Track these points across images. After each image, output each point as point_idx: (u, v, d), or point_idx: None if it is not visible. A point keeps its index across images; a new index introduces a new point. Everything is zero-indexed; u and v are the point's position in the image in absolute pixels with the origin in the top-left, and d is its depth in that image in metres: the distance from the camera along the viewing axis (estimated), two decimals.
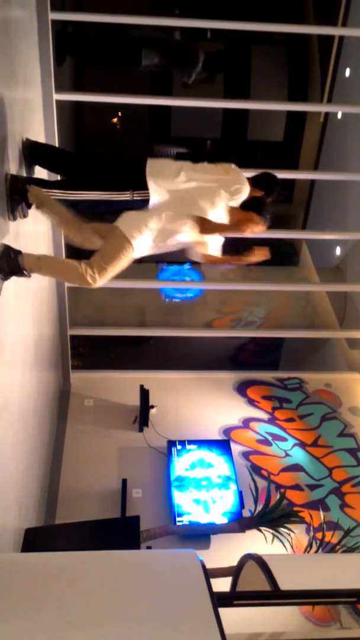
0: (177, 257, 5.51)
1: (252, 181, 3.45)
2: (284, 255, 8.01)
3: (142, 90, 7.71)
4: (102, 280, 3.04)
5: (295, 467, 5.15)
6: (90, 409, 5.48)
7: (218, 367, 6.44)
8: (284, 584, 2.04)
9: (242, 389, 5.86)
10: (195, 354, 6.89)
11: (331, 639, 3.08)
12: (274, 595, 2.03)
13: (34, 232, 3.81)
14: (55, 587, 1.96)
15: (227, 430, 5.39)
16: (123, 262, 3.06)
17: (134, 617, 1.79)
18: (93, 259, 3.03)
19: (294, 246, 8.29)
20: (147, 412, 5.15)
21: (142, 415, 5.13)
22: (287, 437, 5.41)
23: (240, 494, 4.65)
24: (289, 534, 4.15)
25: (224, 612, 1.80)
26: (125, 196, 3.32)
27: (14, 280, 2.99)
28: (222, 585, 2.43)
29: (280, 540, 4.13)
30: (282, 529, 4.15)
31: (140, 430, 5.15)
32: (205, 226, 3.19)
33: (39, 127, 4.07)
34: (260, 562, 2.20)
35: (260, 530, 4.18)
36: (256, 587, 2.16)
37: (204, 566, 2.02)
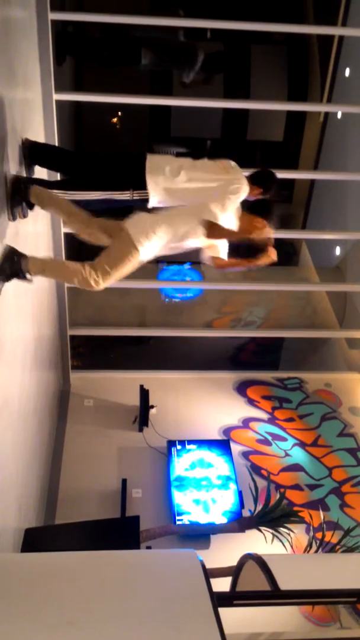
0: (178, 257, 5.53)
1: (250, 179, 3.45)
2: (283, 255, 8.00)
3: (142, 90, 7.70)
4: (105, 284, 3.02)
5: (295, 467, 5.15)
6: (90, 409, 5.48)
7: (218, 367, 6.44)
8: (284, 584, 2.04)
9: (242, 388, 5.86)
10: (195, 354, 6.89)
11: (331, 639, 3.08)
12: (274, 595, 2.03)
13: (33, 232, 3.81)
14: (55, 587, 1.96)
15: (227, 430, 5.39)
16: (128, 267, 3.03)
17: (134, 617, 1.79)
18: (98, 261, 2.99)
19: (294, 246, 8.30)
20: (147, 412, 5.15)
21: (142, 415, 5.13)
22: (287, 437, 5.41)
23: (240, 493, 4.65)
24: (289, 534, 4.15)
25: (223, 612, 1.80)
26: (125, 195, 3.33)
27: (14, 280, 2.99)
28: (222, 585, 2.43)
29: (280, 540, 4.13)
30: (281, 529, 4.15)
31: (140, 430, 5.15)
32: (215, 231, 3.15)
33: (39, 127, 4.07)
34: (260, 562, 2.20)
35: (260, 530, 4.18)
36: (256, 587, 2.16)
37: (203, 566, 2.02)
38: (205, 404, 5.62)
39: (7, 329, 3.09)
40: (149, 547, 4.03)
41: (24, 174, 3.36)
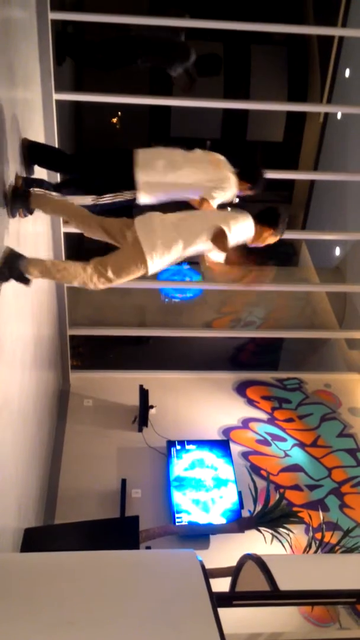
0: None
1: (238, 175, 3.48)
2: (283, 256, 8.02)
3: (141, 90, 7.70)
4: (104, 287, 3.02)
5: (295, 468, 5.15)
6: (89, 409, 5.48)
7: (217, 367, 6.44)
8: (283, 584, 2.04)
9: (241, 389, 5.86)
10: (194, 354, 6.89)
11: (331, 639, 3.08)
12: (273, 596, 2.03)
13: (33, 232, 3.81)
14: (55, 587, 1.96)
15: (227, 431, 5.39)
16: (131, 277, 3.00)
17: (134, 617, 1.79)
18: (101, 265, 2.95)
19: (294, 246, 8.29)
20: (147, 412, 5.15)
21: (142, 416, 5.13)
22: (286, 438, 5.41)
23: (239, 494, 4.65)
24: (288, 534, 4.15)
25: (223, 612, 1.80)
26: (119, 197, 3.37)
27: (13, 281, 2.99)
28: (222, 585, 2.43)
29: (280, 541, 4.13)
30: (281, 529, 4.15)
31: (140, 430, 5.15)
32: (225, 240, 3.11)
33: (39, 127, 4.07)
34: (259, 562, 2.20)
35: (259, 531, 4.18)
36: (255, 588, 2.16)
37: (203, 566, 2.02)
38: (205, 404, 5.62)
39: (6, 329, 3.09)
40: (148, 547, 4.03)
41: (24, 174, 3.36)
